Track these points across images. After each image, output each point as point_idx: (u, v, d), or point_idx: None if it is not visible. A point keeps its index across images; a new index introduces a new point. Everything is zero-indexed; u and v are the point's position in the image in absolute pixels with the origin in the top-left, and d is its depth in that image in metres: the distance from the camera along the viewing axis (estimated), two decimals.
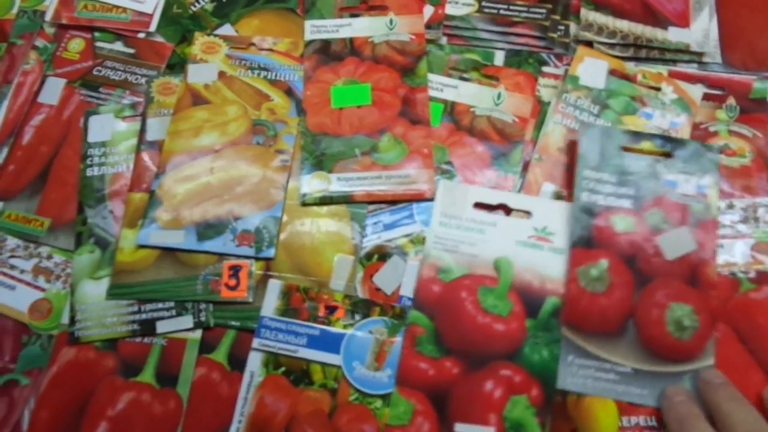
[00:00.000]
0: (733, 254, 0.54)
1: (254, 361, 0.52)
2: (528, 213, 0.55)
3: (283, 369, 0.52)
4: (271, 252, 0.55)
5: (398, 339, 0.52)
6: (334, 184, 0.57)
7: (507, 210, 0.56)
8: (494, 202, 0.56)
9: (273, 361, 0.52)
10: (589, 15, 0.64)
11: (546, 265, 0.53)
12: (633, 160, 0.55)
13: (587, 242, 0.53)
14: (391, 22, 0.65)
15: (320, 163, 0.58)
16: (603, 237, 0.53)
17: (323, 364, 0.52)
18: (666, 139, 0.55)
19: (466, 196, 0.56)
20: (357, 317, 0.53)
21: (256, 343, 0.52)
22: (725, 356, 0.51)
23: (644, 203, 0.54)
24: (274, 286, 0.54)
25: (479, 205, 0.56)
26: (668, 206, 0.54)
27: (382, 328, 0.52)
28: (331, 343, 0.52)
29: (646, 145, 0.55)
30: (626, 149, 0.55)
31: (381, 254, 0.56)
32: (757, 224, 0.55)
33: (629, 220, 0.53)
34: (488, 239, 0.54)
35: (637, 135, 0.55)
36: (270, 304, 0.54)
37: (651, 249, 0.52)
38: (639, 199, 0.54)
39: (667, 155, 0.55)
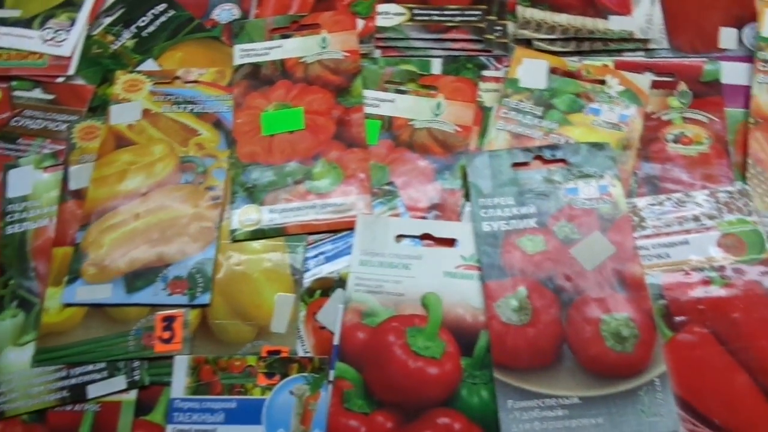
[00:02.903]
0: (700, 250, 0.50)
1: None
2: (453, 241, 0.51)
3: None
4: (206, 298, 0.51)
5: (322, 394, 0.47)
6: (266, 217, 0.54)
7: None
8: (417, 233, 0.52)
9: None
10: (526, 12, 0.61)
11: (477, 296, 0.49)
12: (528, 177, 0.52)
13: (500, 273, 0.49)
14: (323, 40, 0.62)
15: (251, 195, 0.55)
16: (515, 263, 0.49)
17: None
18: (555, 147, 0.53)
19: (387, 229, 0.52)
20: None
21: (169, 430, 0.47)
22: (704, 361, 0.47)
23: (549, 218, 0.50)
24: (181, 363, 0.49)
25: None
26: (575, 215, 0.50)
27: (302, 386, 0.48)
28: (251, 414, 0.47)
29: (537, 159, 0.53)
30: (518, 167, 0.52)
31: (324, 289, 0.52)
32: (721, 215, 0.51)
33: (538, 239, 0.50)
34: (414, 274, 0.50)
35: (526, 151, 0.53)
36: (179, 383, 0.49)
37: (568, 263, 0.49)
38: (543, 215, 0.50)
39: (562, 163, 0.52)
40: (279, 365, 0.49)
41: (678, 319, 0.48)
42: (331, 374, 0.48)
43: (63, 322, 0.52)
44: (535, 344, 0.47)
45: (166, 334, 0.51)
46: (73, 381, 0.50)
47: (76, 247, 0.54)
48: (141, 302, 0.51)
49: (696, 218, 0.51)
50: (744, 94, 0.57)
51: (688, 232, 0.51)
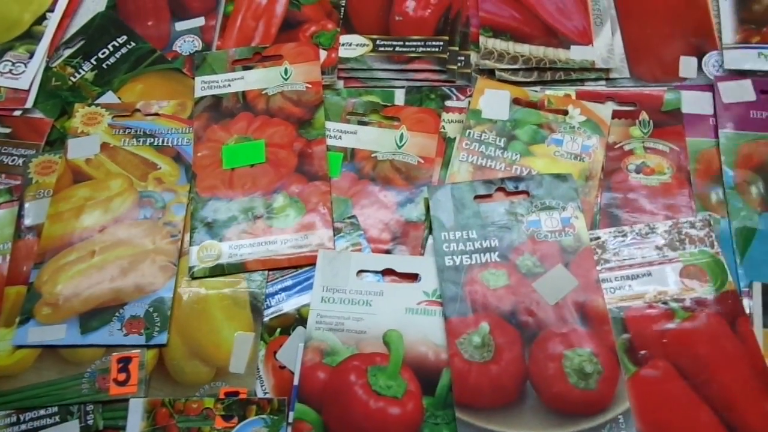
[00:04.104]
0: (663, 282, 0.50)
1: None
2: (416, 276, 0.51)
3: None
4: (163, 338, 0.50)
5: None
6: (225, 252, 0.53)
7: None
8: (379, 268, 0.51)
9: None
10: (488, 42, 0.61)
11: (440, 333, 0.48)
12: (490, 209, 0.51)
13: (462, 309, 0.48)
14: (285, 71, 0.61)
15: (210, 230, 0.54)
16: (477, 299, 0.48)
17: None
18: (517, 179, 0.53)
19: (349, 264, 0.51)
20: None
21: None
22: (668, 396, 0.46)
23: (512, 251, 0.50)
24: (136, 406, 0.48)
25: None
26: (538, 248, 0.50)
27: (261, 429, 0.47)
28: None
29: (499, 191, 0.52)
30: (480, 199, 0.52)
31: (284, 327, 0.51)
32: (684, 246, 0.51)
33: (500, 273, 0.49)
34: (375, 311, 0.49)
35: (488, 183, 0.52)
36: (134, 427, 0.47)
37: (530, 298, 0.48)
38: (506, 248, 0.50)
39: (525, 194, 0.52)
40: (237, 407, 0.48)
41: (641, 353, 0.48)
42: (291, 416, 0.46)
43: (14, 365, 0.50)
44: (498, 382, 0.46)
45: (122, 376, 0.49)
46: (24, 427, 0.48)
47: (30, 287, 0.52)
48: (96, 343, 0.50)
49: (658, 249, 0.51)
50: (705, 123, 0.57)
51: (650, 263, 0.51)
